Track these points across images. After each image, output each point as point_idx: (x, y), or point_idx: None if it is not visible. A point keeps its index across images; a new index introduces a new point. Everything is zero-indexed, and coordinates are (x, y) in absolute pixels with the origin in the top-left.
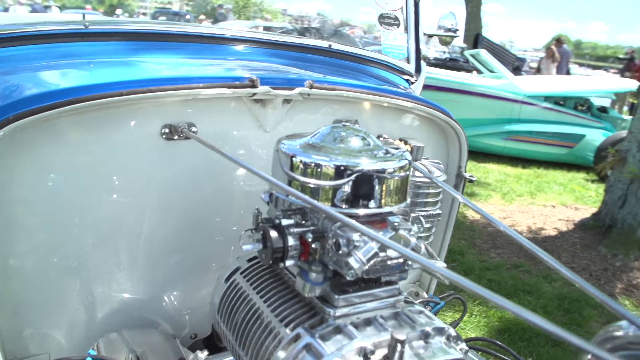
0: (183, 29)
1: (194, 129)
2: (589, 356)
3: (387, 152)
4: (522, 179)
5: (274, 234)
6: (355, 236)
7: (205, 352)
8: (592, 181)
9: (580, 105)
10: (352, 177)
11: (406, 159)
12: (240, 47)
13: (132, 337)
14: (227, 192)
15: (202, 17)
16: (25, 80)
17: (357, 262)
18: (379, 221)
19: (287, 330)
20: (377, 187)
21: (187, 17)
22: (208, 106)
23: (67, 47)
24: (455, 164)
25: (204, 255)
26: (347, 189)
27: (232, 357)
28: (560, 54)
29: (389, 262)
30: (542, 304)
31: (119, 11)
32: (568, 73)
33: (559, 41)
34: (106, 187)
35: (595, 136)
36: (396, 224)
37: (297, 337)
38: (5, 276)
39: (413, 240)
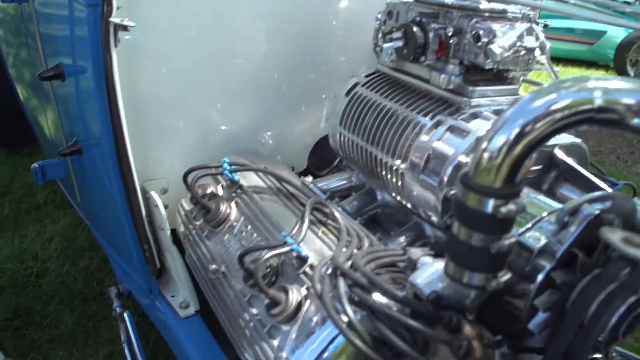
0: None
1: None
2: None
3: None
4: (543, 75)
5: (417, 30)
6: (496, 26)
7: (310, 177)
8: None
9: None
10: None
11: None
12: None
13: (254, 159)
14: (325, 30)
15: None
16: None
17: (500, 47)
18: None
19: (427, 119)
20: None
21: None
22: None
23: None
24: None
25: (297, 93)
26: None
27: (332, 181)
28: None
29: (521, 53)
30: None
31: None
32: None
33: None
34: (220, 16)
35: (617, 33)
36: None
37: (438, 123)
38: (133, 108)
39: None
